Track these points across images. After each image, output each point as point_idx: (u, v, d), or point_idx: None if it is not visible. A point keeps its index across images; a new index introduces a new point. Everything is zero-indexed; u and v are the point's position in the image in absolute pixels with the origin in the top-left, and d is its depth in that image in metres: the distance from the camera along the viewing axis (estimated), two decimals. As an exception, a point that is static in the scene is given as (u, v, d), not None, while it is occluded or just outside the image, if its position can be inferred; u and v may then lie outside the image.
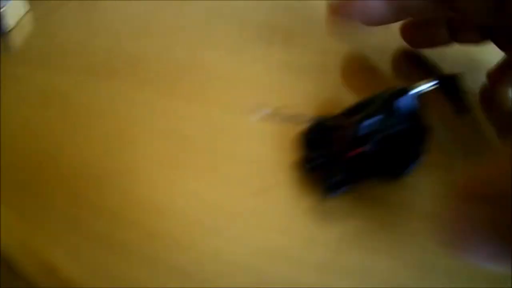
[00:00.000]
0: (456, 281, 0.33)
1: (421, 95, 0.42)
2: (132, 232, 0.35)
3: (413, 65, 0.46)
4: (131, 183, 0.39)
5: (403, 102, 0.42)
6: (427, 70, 0.45)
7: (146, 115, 0.45)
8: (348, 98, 0.44)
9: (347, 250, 0.34)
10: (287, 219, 0.38)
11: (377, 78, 0.52)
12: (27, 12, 0.51)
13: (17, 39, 0.50)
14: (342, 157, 0.41)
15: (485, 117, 0.42)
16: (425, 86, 0.42)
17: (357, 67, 0.53)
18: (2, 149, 0.39)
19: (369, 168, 0.43)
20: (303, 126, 0.42)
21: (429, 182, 0.40)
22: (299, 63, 0.52)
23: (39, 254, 0.35)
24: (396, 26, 0.46)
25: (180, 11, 0.54)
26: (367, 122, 0.41)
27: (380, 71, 0.56)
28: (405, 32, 0.46)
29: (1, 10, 0.48)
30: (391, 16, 0.42)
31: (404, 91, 0.42)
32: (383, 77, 0.53)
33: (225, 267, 0.33)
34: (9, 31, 0.48)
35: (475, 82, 0.43)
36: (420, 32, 0.45)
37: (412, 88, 0.42)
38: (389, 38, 0.49)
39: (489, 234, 0.22)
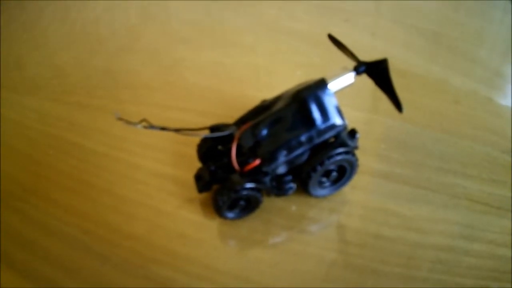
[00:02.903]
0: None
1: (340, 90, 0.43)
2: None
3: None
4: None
5: (318, 97, 0.42)
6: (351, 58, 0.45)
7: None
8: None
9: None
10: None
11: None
12: None
13: None
14: (241, 172, 0.42)
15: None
16: (346, 77, 0.42)
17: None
18: None
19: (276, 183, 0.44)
20: (198, 138, 0.45)
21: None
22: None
23: None
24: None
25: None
26: (259, 131, 0.42)
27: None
28: None
29: None
30: None
31: (320, 83, 0.42)
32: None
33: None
34: None
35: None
36: None
37: (330, 80, 0.42)
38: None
39: None
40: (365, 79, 0.43)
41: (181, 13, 0.71)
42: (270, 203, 0.45)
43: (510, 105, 0.58)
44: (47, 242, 0.44)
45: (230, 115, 0.45)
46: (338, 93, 0.43)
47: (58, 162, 0.50)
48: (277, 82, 0.46)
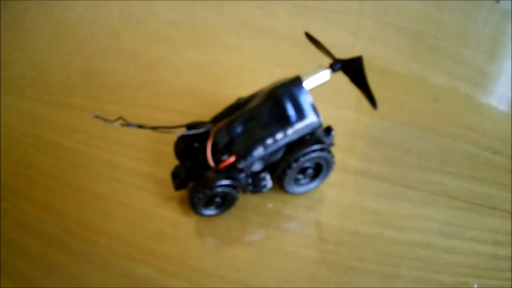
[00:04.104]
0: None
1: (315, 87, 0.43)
2: None
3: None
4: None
5: (293, 95, 0.42)
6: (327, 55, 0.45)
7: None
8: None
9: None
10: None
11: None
12: None
13: None
14: (216, 170, 0.43)
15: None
16: (321, 74, 0.43)
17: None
18: None
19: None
20: (175, 135, 0.46)
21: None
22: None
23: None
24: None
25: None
26: (234, 129, 0.42)
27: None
28: None
29: None
30: None
31: (295, 81, 0.42)
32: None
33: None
34: None
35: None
36: None
37: (305, 77, 0.43)
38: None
39: None
40: (343, 77, 0.43)
41: (163, 13, 0.72)
42: (246, 200, 0.46)
43: (490, 103, 0.59)
44: (26, 240, 0.44)
45: (207, 114, 0.46)
46: (316, 91, 0.44)
47: (37, 161, 0.51)
48: (255, 80, 0.46)
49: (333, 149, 0.45)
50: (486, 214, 0.47)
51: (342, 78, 0.43)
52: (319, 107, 0.43)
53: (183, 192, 0.46)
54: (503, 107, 0.59)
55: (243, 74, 0.60)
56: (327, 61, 0.44)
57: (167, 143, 0.47)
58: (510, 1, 0.75)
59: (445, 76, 0.62)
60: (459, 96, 0.59)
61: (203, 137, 0.43)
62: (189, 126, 0.44)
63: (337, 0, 0.74)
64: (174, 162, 0.46)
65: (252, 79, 0.49)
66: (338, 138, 0.47)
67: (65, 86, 0.59)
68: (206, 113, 0.46)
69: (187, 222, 0.45)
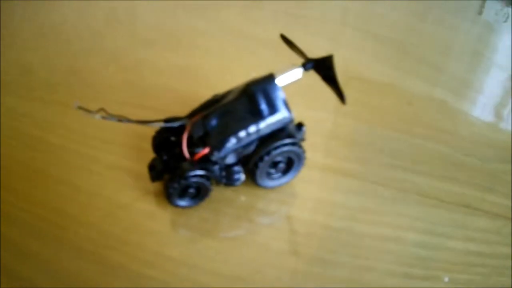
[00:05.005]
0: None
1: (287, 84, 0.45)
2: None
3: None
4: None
5: (266, 91, 0.45)
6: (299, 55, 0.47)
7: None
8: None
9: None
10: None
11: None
12: None
13: None
14: (191, 161, 0.45)
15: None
16: (294, 72, 0.45)
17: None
18: None
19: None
20: (153, 131, 0.48)
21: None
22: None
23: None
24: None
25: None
26: (209, 122, 0.44)
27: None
28: None
29: None
30: None
31: (268, 78, 0.45)
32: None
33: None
34: None
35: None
36: None
37: (278, 75, 0.45)
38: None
39: None
40: (318, 79, 0.45)
41: (147, 16, 0.75)
42: (219, 194, 0.48)
43: (465, 108, 0.61)
44: (5, 229, 0.46)
45: (185, 112, 0.48)
46: (292, 92, 0.46)
47: (19, 153, 0.53)
48: (231, 81, 0.48)
49: (306, 147, 0.47)
50: (457, 212, 0.49)
51: (316, 80, 0.45)
52: (294, 109, 0.45)
53: (159, 187, 0.48)
54: (477, 112, 0.62)
55: (219, 76, 0.62)
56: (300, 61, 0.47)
57: (145, 139, 0.49)
58: (492, 14, 0.78)
59: (422, 83, 0.64)
60: (434, 101, 0.62)
61: (180, 131, 0.45)
62: (167, 121, 0.46)
63: (321, 9, 0.77)
64: (151, 157, 0.48)
65: (228, 80, 0.51)
66: (311, 137, 0.49)
67: (48, 84, 0.61)
68: (184, 111, 0.48)
69: (162, 214, 0.47)
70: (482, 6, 0.80)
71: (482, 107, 0.63)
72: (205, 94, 0.48)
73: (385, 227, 0.47)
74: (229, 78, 0.60)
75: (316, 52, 0.47)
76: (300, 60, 0.46)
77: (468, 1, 0.82)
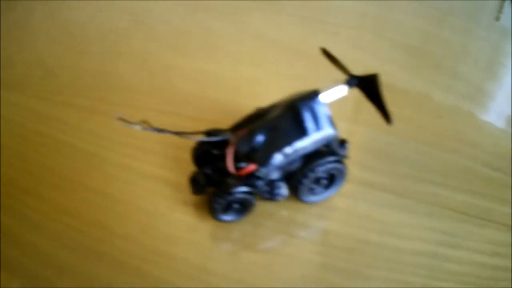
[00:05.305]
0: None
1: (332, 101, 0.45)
2: None
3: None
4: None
5: (311, 107, 0.45)
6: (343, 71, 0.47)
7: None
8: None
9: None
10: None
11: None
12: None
13: None
14: (236, 176, 0.45)
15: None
16: (339, 89, 0.45)
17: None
18: None
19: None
20: (193, 142, 0.48)
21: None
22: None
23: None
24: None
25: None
26: (255, 137, 0.44)
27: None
28: None
29: None
30: None
31: (313, 94, 0.45)
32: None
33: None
34: None
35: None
36: None
37: (323, 91, 0.45)
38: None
39: None
40: (352, 92, 0.46)
41: (169, 20, 0.74)
42: (261, 207, 0.48)
43: (490, 120, 0.62)
44: (38, 240, 0.45)
45: (218, 121, 0.48)
46: (331, 105, 0.46)
47: (48, 160, 0.52)
48: (265, 91, 0.49)
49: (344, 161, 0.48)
50: (485, 227, 0.50)
51: (351, 93, 0.46)
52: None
53: (197, 198, 0.48)
54: (501, 124, 0.63)
55: (248, 84, 0.62)
56: (337, 75, 0.47)
57: (181, 149, 0.49)
58: (509, 19, 0.79)
59: (445, 93, 0.65)
60: (461, 113, 0.63)
61: (222, 144, 0.45)
62: (209, 133, 0.46)
63: (340, 14, 0.78)
64: (189, 167, 0.48)
65: (257, 89, 0.51)
66: (349, 151, 0.49)
67: (74, 87, 0.61)
68: (219, 120, 0.48)
69: (202, 227, 0.47)
70: (499, 12, 0.81)
71: (504, 119, 0.64)
72: (240, 103, 0.49)
73: (418, 242, 0.48)
74: (260, 87, 0.60)
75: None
76: (335, 74, 0.47)
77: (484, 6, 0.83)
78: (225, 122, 0.48)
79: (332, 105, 0.46)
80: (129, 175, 0.51)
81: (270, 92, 0.48)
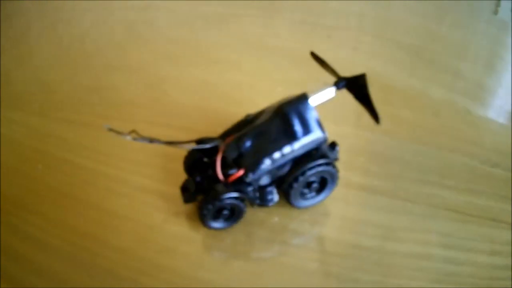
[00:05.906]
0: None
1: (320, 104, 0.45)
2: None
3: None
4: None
5: (299, 111, 0.45)
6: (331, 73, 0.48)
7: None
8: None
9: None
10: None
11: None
12: None
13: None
14: (225, 183, 0.45)
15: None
16: (327, 92, 0.45)
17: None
18: None
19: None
20: (183, 153, 0.48)
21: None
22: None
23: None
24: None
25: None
26: (243, 143, 0.45)
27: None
28: None
29: None
30: None
31: (302, 98, 0.45)
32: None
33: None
34: None
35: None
36: None
37: (311, 94, 0.45)
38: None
39: None
40: (345, 94, 0.46)
41: (166, 31, 0.75)
42: (252, 215, 0.48)
43: (488, 116, 0.62)
44: (37, 255, 0.46)
45: (213, 131, 0.48)
46: (320, 108, 0.46)
47: (46, 176, 0.53)
48: (258, 98, 0.49)
49: (336, 164, 0.48)
50: (484, 226, 0.49)
51: (343, 95, 0.46)
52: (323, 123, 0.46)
53: (190, 208, 0.49)
54: (501, 119, 0.62)
55: (245, 92, 0.63)
56: (330, 78, 0.47)
57: (174, 160, 0.49)
58: (509, 13, 0.78)
59: (443, 90, 0.64)
60: (458, 110, 0.62)
61: (212, 152, 0.46)
62: (199, 141, 0.46)
63: (338, 16, 0.77)
64: (181, 178, 0.48)
65: (254, 97, 0.51)
66: (340, 154, 0.49)
67: (71, 103, 0.62)
68: (212, 130, 0.48)
69: (194, 237, 0.47)
70: (498, 5, 0.80)
71: (504, 114, 0.63)
72: (231, 111, 0.49)
73: (415, 244, 0.47)
74: (254, 94, 0.60)
75: (336, 61, 0.47)
76: (329, 78, 0.47)
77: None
78: (218, 131, 0.48)
79: (319, 108, 0.46)
80: (123, 188, 0.51)
81: (263, 99, 0.48)
